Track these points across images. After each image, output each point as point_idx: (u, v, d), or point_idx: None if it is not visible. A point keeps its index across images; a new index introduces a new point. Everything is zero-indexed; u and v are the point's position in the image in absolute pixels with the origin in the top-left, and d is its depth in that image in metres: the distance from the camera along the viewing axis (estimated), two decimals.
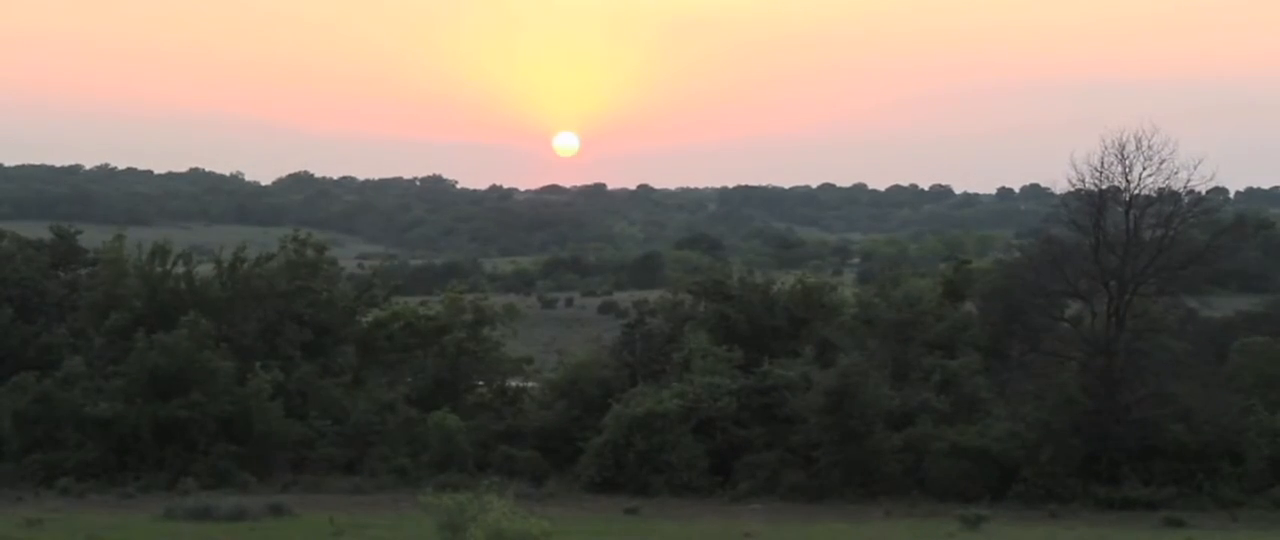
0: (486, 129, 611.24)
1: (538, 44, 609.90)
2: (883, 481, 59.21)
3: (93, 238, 78.05)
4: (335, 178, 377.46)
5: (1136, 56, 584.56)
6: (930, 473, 59.11)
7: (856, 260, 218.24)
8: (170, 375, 61.90)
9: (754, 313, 70.77)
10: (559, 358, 75.83)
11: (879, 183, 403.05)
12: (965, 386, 64.04)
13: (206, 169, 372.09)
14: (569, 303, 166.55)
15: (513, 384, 72.33)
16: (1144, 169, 60.24)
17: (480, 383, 71.80)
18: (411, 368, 71.98)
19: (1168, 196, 61.20)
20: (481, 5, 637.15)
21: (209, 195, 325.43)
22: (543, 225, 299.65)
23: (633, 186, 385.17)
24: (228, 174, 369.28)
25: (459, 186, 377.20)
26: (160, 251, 70.12)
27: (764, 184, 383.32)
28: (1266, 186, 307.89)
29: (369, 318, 73.03)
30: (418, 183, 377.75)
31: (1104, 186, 60.74)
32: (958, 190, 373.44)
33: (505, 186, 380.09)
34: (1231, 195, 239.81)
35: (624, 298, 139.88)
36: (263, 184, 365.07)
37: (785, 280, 76.27)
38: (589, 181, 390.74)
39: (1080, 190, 61.16)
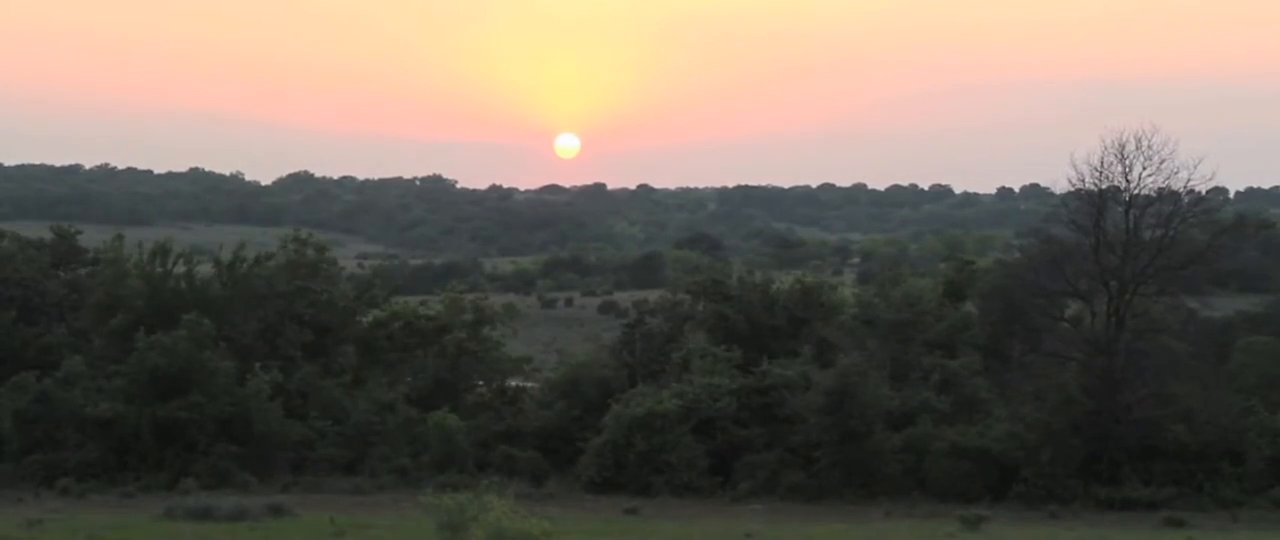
0: (487, 128, 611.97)
1: (537, 43, 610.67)
2: (883, 482, 59.20)
3: (93, 238, 78.07)
4: (335, 177, 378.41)
5: (1137, 55, 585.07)
6: (930, 473, 59.09)
7: (856, 260, 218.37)
8: (171, 375, 61.89)
9: (754, 313, 70.78)
10: (559, 358, 75.82)
11: (879, 182, 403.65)
12: (965, 387, 64.05)
13: (206, 169, 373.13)
14: (569, 302, 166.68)
15: (513, 384, 72.37)
16: (1144, 169, 60.32)
17: (480, 383, 71.83)
18: (411, 368, 71.98)
19: (1168, 196, 61.18)
20: (481, 5, 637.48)
21: (209, 195, 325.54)
22: (543, 225, 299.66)
23: (633, 186, 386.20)
24: (228, 174, 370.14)
25: (459, 186, 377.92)
26: (160, 251, 70.15)
27: (764, 184, 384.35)
28: (1267, 186, 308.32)
29: (369, 318, 73.03)
30: (418, 182, 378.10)
31: (1104, 186, 60.76)
32: (958, 190, 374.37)
33: (505, 186, 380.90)
34: (1231, 195, 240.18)
35: (624, 297, 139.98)
36: (263, 184, 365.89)
37: (785, 280, 76.25)
38: (589, 181, 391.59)
39: (1080, 190, 61.18)
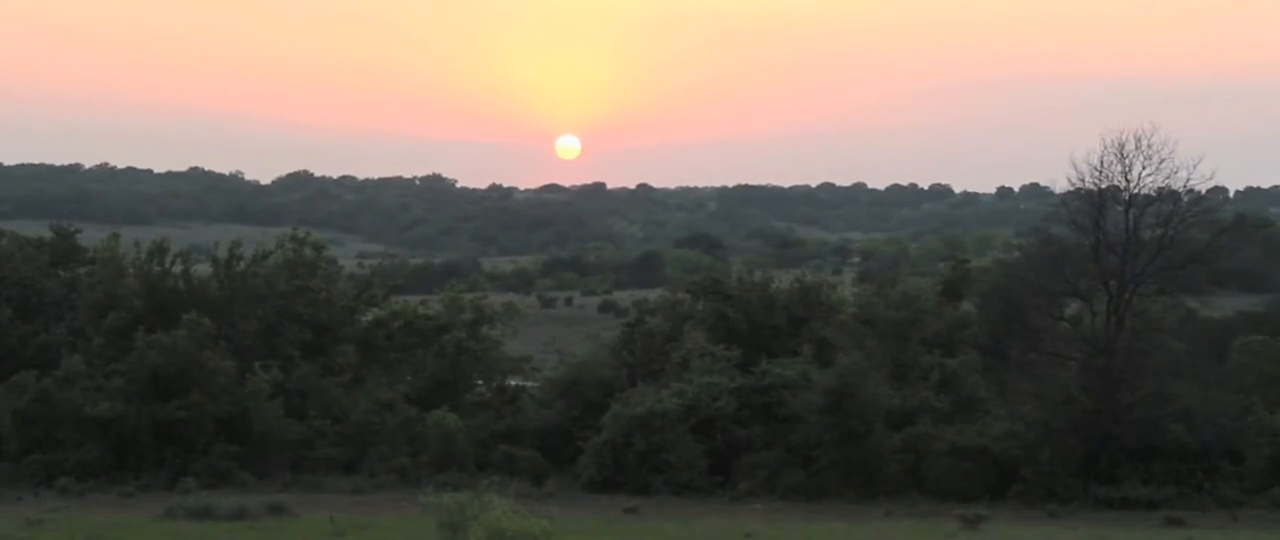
0: (486, 128, 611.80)
1: (536, 42, 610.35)
2: (882, 481, 59.20)
3: (92, 237, 78.04)
4: (335, 177, 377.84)
5: (1137, 54, 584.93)
6: (929, 472, 59.10)
7: (856, 259, 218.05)
8: (170, 375, 61.92)
9: (753, 312, 70.79)
10: (559, 357, 75.85)
11: (878, 182, 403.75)
12: (965, 386, 64.07)
13: (206, 168, 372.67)
14: (569, 302, 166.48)
15: (512, 383, 72.37)
16: (1143, 168, 60.31)
17: (480, 382, 71.85)
18: (411, 367, 72.01)
19: (1167, 196, 61.16)
20: (480, 4, 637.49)
21: (209, 194, 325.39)
22: (542, 224, 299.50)
23: (632, 185, 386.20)
24: (227, 173, 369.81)
25: (459, 185, 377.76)
26: (158, 250, 70.11)
27: (763, 183, 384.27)
28: (1266, 185, 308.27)
29: (368, 317, 73.04)
30: (417, 182, 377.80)
31: (1103, 186, 60.76)
32: (957, 189, 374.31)
33: (505, 185, 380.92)
34: (1231, 194, 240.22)
35: (624, 297, 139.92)
36: (262, 183, 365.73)
37: (784, 279, 76.28)
38: (588, 180, 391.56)
39: (1080, 189, 61.19)
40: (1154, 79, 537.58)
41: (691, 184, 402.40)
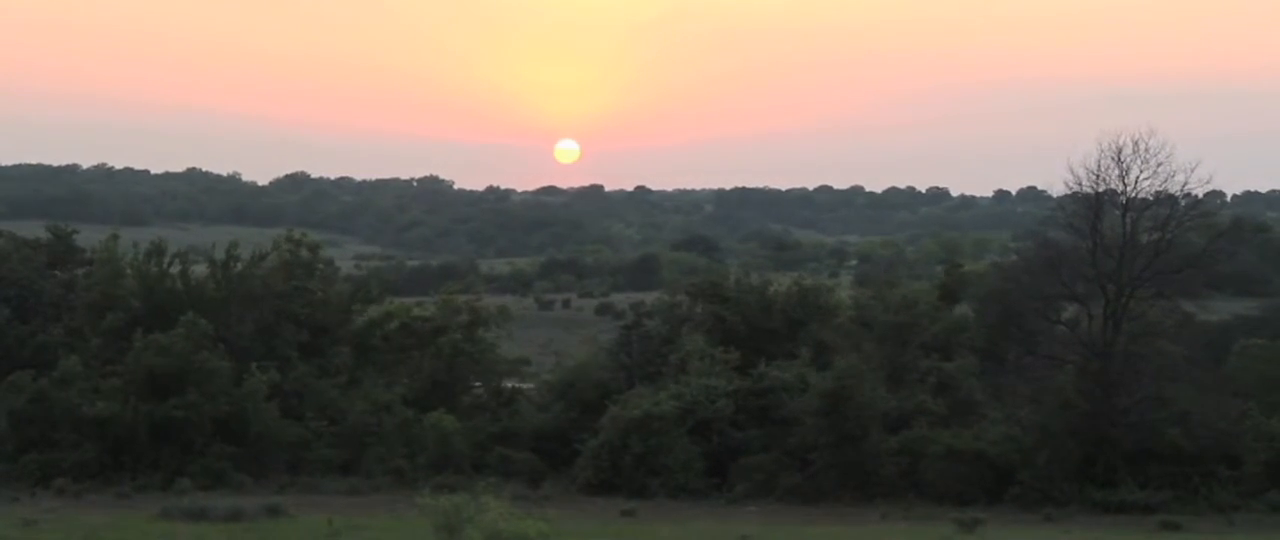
0: (484, 130, 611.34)
1: (534, 44, 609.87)
2: (879, 484, 59.20)
3: (89, 238, 78.11)
4: (332, 178, 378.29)
5: (1135, 58, 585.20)
6: (926, 475, 59.11)
7: (853, 262, 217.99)
8: (167, 375, 61.87)
9: (750, 315, 70.80)
10: (556, 359, 75.89)
11: (876, 185, 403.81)
12: (961, 389, 64.10)
13: (204, 169, 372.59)
14: (566, 304, 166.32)
15: (509, 385, 72.35)
16: (1141, 172, 60.44)
17: (477, 384, 71.82)
18: (408, 368, 71.94)
19: (1164, 200, 61.26)
20: (479, 5, 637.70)
21: (206, 195, 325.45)
22: (540, 226, 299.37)
23: (629, 188, 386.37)
24: (225, 174, 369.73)
25: (456, 187, 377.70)
26: (155, 251, 70.11)
27: (761, 186, 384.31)
28: (1263, 190, 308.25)
29: (365, 318, 73.01)
30: (415, 183, 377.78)
31: (1101, 189, 60.84)
32: (955, 192, 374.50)
33: (502, 187, 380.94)
34: (1228, 198, 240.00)
35: (621, 299, 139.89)
36: (260, 184, 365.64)
37: (782, 282, 76.32)
38: (586, 183, 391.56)
39: (1077, 193, 61.27)
40: (1151, 83, 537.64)
41: (688, 186, 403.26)
